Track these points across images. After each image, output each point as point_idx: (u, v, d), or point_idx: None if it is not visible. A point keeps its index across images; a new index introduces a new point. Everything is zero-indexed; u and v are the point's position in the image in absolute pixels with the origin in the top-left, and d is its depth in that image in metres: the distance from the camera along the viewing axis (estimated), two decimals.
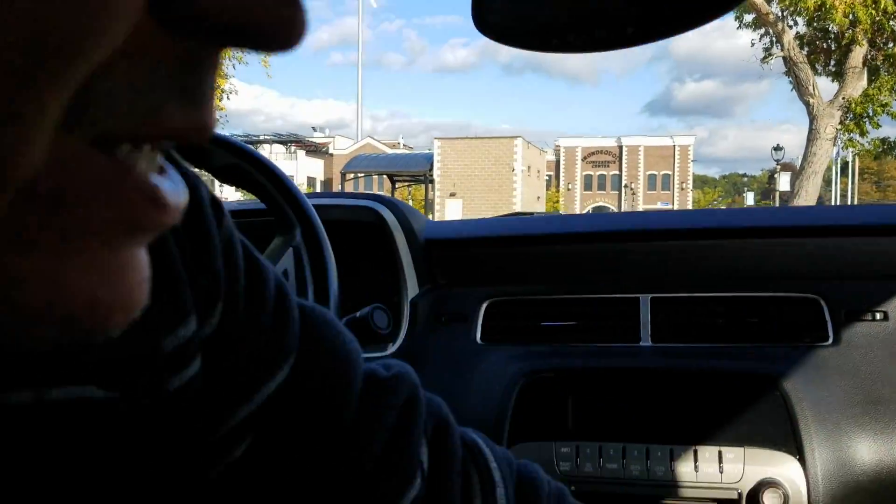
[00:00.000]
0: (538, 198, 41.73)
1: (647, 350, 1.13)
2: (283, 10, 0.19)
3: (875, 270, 1.12)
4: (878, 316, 1.07)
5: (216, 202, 0.41)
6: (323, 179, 51.28)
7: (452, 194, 36.81)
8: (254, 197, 0.95)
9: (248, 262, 0.41)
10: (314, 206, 1.20)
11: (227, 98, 19.78)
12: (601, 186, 55.53)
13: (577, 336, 1.17)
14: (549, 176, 51.63)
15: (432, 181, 34.84)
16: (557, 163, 55.30)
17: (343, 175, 36.75)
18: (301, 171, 49.32)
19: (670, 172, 54.89)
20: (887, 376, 1.03)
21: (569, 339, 1.16)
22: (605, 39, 1.03)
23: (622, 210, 53.42)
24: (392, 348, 1.19)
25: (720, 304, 1.16)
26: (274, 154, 50.14)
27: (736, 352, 1.11)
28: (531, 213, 1.97)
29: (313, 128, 60.59)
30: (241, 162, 0.93)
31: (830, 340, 1.09)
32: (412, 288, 1.22)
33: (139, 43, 0.17)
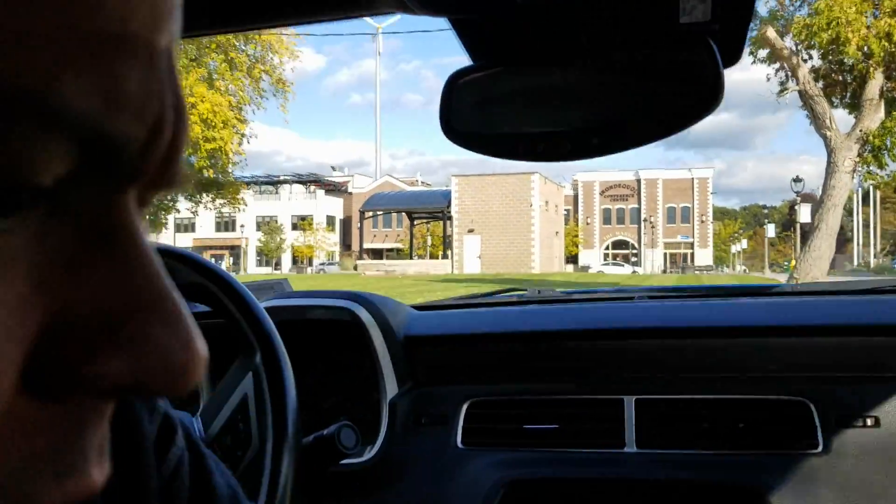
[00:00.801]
0: (556, 232, 41.66)
1: (632, 457, 1.09)
2: (178, 363, 0.19)
3: (866, 372, 1.08)
4: (868, 422, 1.03)
5: (167, 431, 0.41)
6: (342, 218, 51.62)
7: (470, 230, 36.87)
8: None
9: (197, 488, 0.41)
10: (289, 306, 1.18)
11: (248, 142, 20.08)
12: (620, 220, 55.34)
13: (561, 440, 1.13)
14: (568, 210, 51.55)
15: (450, 217, 34.96)
16: (576, 197, 55.27)
17: (362, 213, 37.04)
18: (320, 209, 49.72)
19: (689, 205, 54.63)
20: (880, 488, 0.98)
21: (552, 443, 1.13)
22: (571, 151, 1.00)
23: (642, 242, 53.14)
24: (370, 454, 1.16)
25: (706, 406, 1.12)
26: (294, 194, 50.65)
27: (722, 461, 1.07)
28: (523, 290, 1.93)
29: (332, 167, 61.22)
30: (206, 281, 0.92)
31: (820, 448, 1.04)
32: (391, 388, 1.20)
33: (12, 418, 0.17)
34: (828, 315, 1.16)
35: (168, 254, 0.89)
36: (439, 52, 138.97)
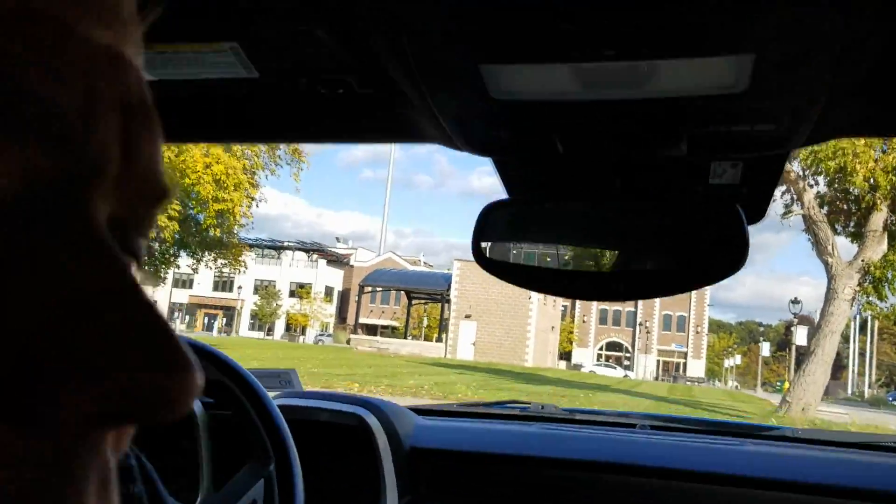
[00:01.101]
0: (553, 327, 41.53)
1: None
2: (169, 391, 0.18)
3: None
4: None
5: None
6: (341, 290, 51.60)
7: (468, 316, 36.81)
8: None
9: None
10: (300, 407, 1.19)
11: (257, 206, 20.29)
12: (616, 321, 55.32)
13: None
14: (565, 307, 51.57)
15: (448, 301, 35.03)
16: None
17: (361, 287, 37.10)
18: (320, 279, 49.76)
19: (686, 314, 54.68)
20: None
21: None
22: (597, 294, 1.04)
23: (636, 347, 52.88)
24: None
25: None
26: (296, 261, 50.81)
27: None
28: (527, 404, 1.93)
29: (337, 238, 61.65)
30: (226, 379, 0.93)
31: None
32: (391, 499, 1.20)
33: None
34: (830, 475, 1.17)
35: (193, 347, 0.91)
36: None
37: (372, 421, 1.21)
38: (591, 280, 0.99)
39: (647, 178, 1.00)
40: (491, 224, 1.06)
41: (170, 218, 16.70)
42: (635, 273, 0.99)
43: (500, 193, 1.11)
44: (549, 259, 1.06)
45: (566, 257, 1.05)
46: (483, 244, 1.05)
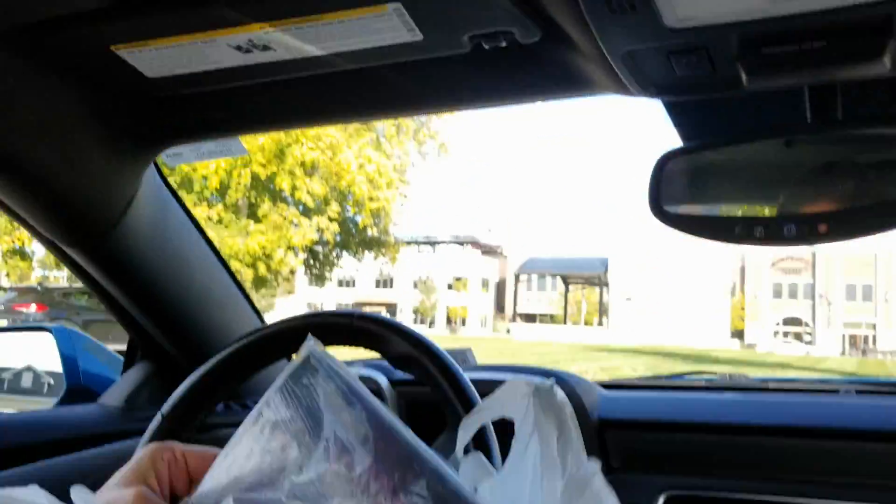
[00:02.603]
0: (722, 305, 39.64)
1: None
2: None
3: None
4: None
5: None
6: (497, 280, 52.03)
7: (628, 298, 35.91)
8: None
9: None
10: (485, 380, 1.19)
11: (409, 203, 20.84)
12: (792, 294, 51.77)
13: None
14: (733, 284, 49.00)
15: (607, 284, 34.36)
16: (742, 268, 52.47)
17: (517, 276, 37.27)
18: (475, 271, 50.44)
19: (872, 283, 50.24)
20: None
21: None
22: (796, 236, 0.94)
23: (816, 320, 49.30)
24: None
25: None
26: (451, 254, 51.82)
27: None
28: (714, 373, 1.81)
29: (489, 229, 62.15)
30: (418, 354, 0.94)
31: None
32: None
33: None
34: None
35: (383, 324, 0.92)
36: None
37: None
38: (790, 222, 0.90)
39: (843, 106, 0.90)
40: (667, 175, 1.00)
41: (330, 220, 17.51)
42: (838, 210, 0.89)
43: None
44: (738, 205, 0.98)
45: (757, 201, 0.97)
46: (659, 197, 0.99)
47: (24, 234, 15.89)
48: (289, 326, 0.92)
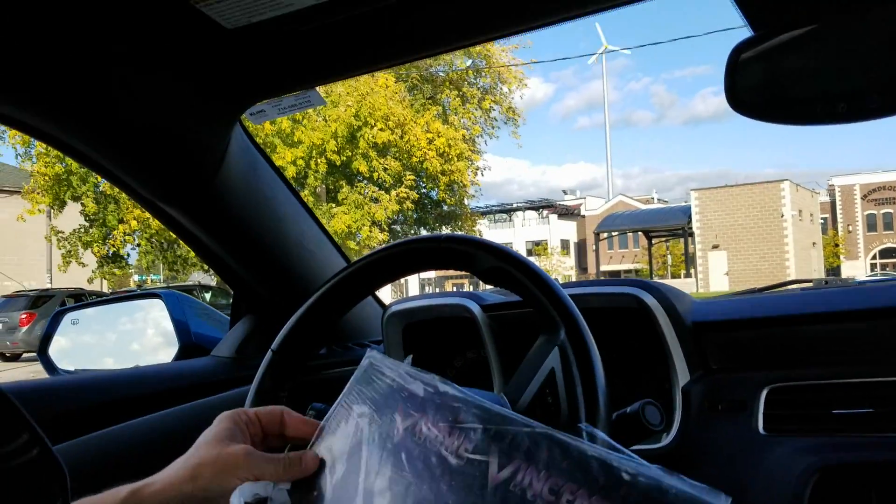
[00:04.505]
0: (814, 244, 38.04)
1: None
2: None
3: None
4: None
5: None
6: (577, 241, 51.42)
7: (715, 246, 34.86)
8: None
9: None
10: (573, 295, 1.21)
11: (482, 174, 20.78)
12: (888, 226, 49.10)
13: (874, 425, 1.03)
14: (825, 219, 46.89)
15: (692, 234, 33.38)
16: (833, 204, 50.11)
17: (597, 235, 36.66)
18: (554, 234, 49.99)
19: None
20: None
21: (864, 428, 1.03)
22: (881, 107, 0.92)
23: None
24: (666, 440, 1.14)
25: None
26: (527, 220, 51.52)
27: None
28: (809, 280, 1.77)
29: (564, 191, 61.36)
30: (504, 265, 0.97)
31: None
32: (682, 375, 1.17)
33: None
34: None
35: (468, 242, 0.94)
36: (668, 66, 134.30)
37: (650, 300, 1.20)
38: (874, 93, 0.88)
39: None
40: (743, 67, 0.98)
41: (409, 188, 17.66)
42: None
43: (731, 115, 1.03)
44: (816, 86, 0.96)
45: (834, 79, 0.95)
46: (735, 87, 0.98)
47: (117, 239, 16.69)
48: (380, 256, 0.96)
